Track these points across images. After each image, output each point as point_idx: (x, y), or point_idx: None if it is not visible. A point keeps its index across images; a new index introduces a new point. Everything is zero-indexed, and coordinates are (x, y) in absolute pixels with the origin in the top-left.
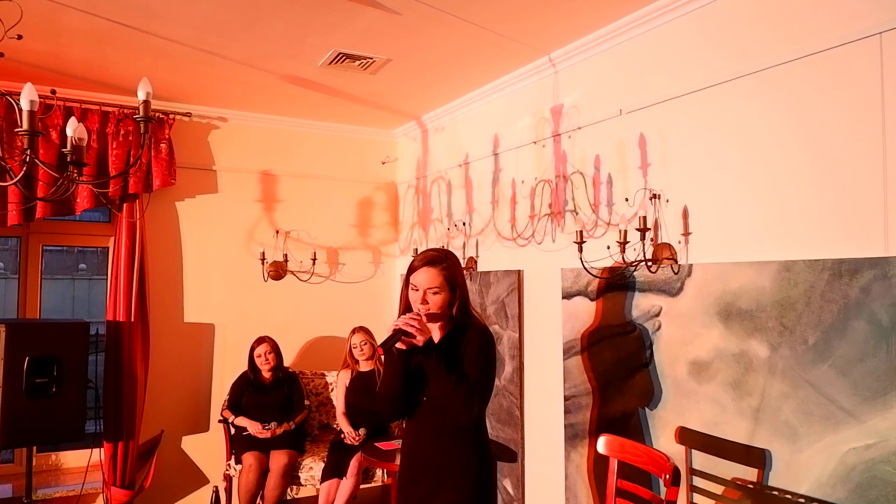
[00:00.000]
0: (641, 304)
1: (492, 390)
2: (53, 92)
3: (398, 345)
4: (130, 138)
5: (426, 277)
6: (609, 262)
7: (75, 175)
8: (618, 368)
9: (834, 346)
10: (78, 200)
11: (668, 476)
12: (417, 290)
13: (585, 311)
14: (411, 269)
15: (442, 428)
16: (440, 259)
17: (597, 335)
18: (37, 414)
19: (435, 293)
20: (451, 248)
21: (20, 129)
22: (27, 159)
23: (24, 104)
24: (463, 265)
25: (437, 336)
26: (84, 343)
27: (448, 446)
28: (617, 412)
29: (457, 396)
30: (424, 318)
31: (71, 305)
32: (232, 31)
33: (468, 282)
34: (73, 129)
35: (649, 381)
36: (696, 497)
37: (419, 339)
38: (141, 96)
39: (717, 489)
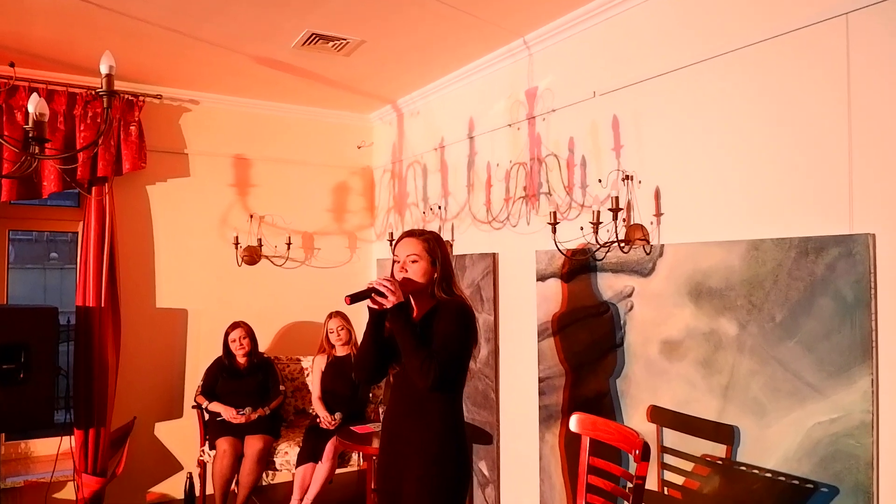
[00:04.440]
0: (614, 285)
1: (459, 363)
2: (12, 64)
3: (370, 303)
4: (98, 120)
5: (405, 246)
6: (582, 243)
7: (37, 150)
8: (591, 350)
9: (800, 323)
10: (45, 183)
11: (637, 452)
12: (399, 260)
13: (559, 293)
14: (395, 245)
15: (413, 401)
16: (421, 231)
17: (568, 317)
18: (4, 401)
19: (414, 261)
20: None
21: None
22: None
23: None
24: None
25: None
26: (53, 329)
27: (418, 422)
28: (591, 392)
29: (415, 359)
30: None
31: (42, 295)
32: (203, 12)
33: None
34: (34, 104)
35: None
36: (667, 474)
37: (390, 300)
38: (104, 70)
39: (688, 466)
